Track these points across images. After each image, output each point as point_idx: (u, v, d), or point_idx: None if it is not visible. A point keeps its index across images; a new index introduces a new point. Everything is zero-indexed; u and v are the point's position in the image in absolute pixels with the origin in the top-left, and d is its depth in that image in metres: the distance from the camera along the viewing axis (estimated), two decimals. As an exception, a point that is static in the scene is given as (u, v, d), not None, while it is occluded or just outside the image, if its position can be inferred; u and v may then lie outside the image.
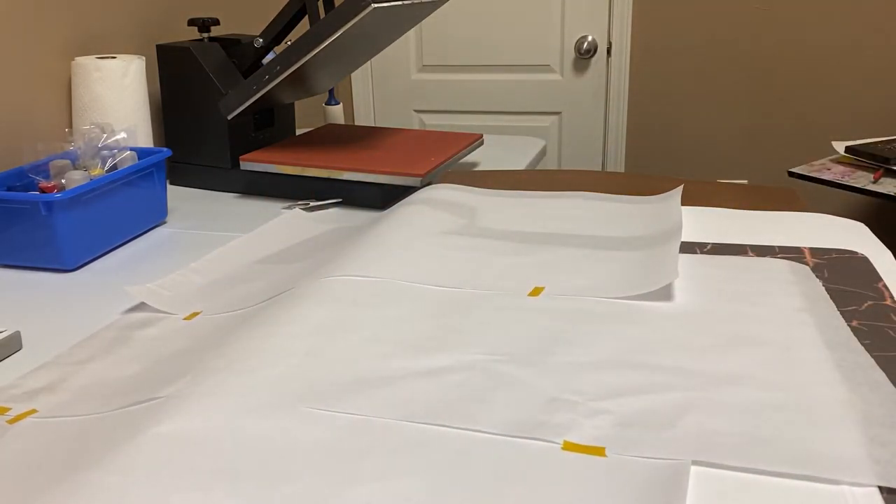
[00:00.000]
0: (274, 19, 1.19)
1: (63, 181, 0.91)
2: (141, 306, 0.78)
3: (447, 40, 2.23)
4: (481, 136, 1.34)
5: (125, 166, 0.99)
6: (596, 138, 2.23)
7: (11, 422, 0.56)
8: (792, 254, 0.81)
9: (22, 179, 0.95)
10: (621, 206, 0.97)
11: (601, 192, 1.05)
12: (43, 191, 0.90)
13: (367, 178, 1.10)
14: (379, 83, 2.32)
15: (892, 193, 1.51)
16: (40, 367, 0.65)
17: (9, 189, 0.93)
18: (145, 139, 1.22)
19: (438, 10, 2.20)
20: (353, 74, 2.30)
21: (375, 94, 2.33)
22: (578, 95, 2.20)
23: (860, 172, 1.65)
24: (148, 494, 0.44)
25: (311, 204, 1.13)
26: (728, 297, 0.70)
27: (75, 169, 0.97)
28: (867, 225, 1.71)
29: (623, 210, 0.95)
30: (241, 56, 1.26)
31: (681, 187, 1.00)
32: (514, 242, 0.85)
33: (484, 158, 1.45)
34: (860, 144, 1.71)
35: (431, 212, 0.93)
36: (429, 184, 1.10)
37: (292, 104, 1.39)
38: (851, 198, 2.14)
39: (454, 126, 2.31)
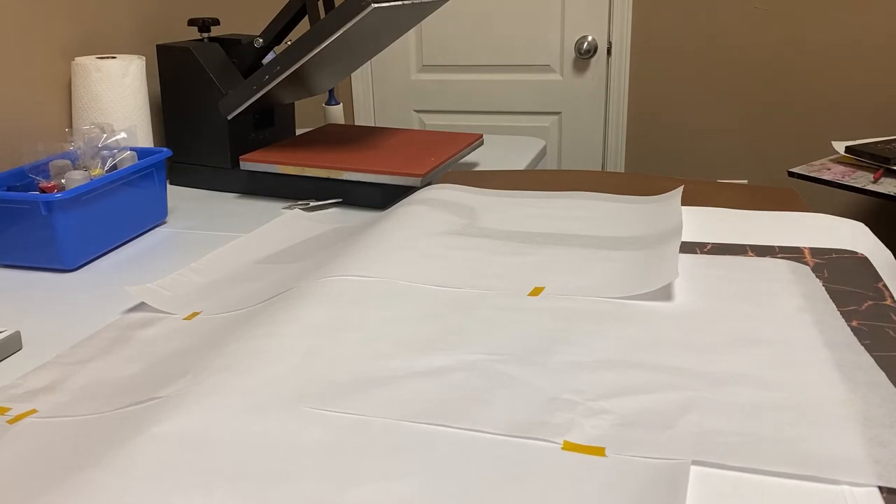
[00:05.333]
0: (274, 19, 1.19)
1: (63, 181, 0.92)
2: (141, 306, 0.78)
3: (447, 40, 2.23)
4: (481, 136, 1.34)
5: (125, 166, 0.99)
6: (596, 138, 2.23)
7: (11, 422, 0.56)
8: (792, 254, 0.80)
9: (22, 179, 0.95)
10: (621, 206, 0.97)
11: (601, 192, 1.05)
12: (43, 191, 0.90)
13: (367, 178, 1.10)
14: (379, 83, 2.32)
15: (892, 193, 1.51)
16: (40, 367, 0.65)
17: (9, 189, 0.93)
18: (145, 139, 1.22)
19: (438, 10, 2.19)
20: (353, 74, 2.30)
21: (375, 94, 2.33)
22: (578, 95, 2.20)
23: (860, 172, 1.65)
24: (148, 494, 0.44)
25: (311, 204, 1.13)
26: (728, 297, 0.70)
27: (75, 169, 0.97)
28: (867, 225, 1.71)
29: (623, 210, 0.95)
30: (241, 56, 1.26)
31: (681, 188, 1.00)
32: (514, 242, 0.85)
33: (484, 158, 1.45)
34: (860, 144, 1.71)
35: (431, 212, 0.93)
36: (429, 184, 1.10)
37: (292, 104, 1.39)
38: (851, 198, 2.14)
39: (454, 126, 2.31)
